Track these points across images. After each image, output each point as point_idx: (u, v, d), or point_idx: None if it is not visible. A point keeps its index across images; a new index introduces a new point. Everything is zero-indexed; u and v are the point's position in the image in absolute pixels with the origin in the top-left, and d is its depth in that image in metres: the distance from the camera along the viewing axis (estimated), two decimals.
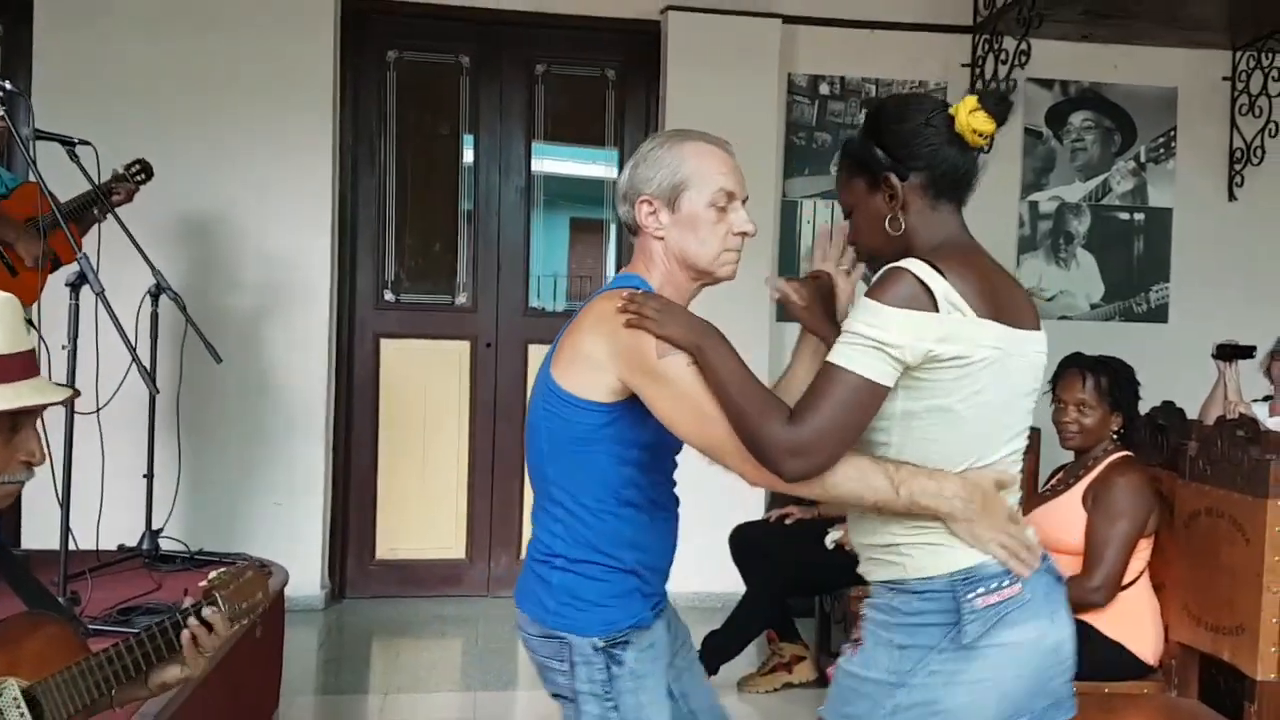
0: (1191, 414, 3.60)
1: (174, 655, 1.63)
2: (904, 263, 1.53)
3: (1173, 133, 5.44)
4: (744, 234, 1.81)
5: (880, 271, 1.57)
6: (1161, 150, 5.45)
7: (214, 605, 1.62)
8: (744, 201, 1.83)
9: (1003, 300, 1.58)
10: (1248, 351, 3.84)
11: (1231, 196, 5.47)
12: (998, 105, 1.60)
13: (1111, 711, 2.55)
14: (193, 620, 1.61)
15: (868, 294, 1.55)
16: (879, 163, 1.63)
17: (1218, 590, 2.51)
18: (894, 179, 1.62)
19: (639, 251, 1.87)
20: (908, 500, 1.54)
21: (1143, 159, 5.45)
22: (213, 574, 1.67)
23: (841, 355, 1.52)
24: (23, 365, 1.57)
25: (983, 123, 1.59)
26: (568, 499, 1.79)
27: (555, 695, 1.86)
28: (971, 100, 1.61)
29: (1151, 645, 2.70)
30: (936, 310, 1.50)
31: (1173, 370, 4.08)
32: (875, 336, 1.49)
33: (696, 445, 1.68)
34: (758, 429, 1.53)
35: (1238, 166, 5.43)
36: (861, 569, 1.70)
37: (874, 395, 1.51)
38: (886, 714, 1.55)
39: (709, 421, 1.62)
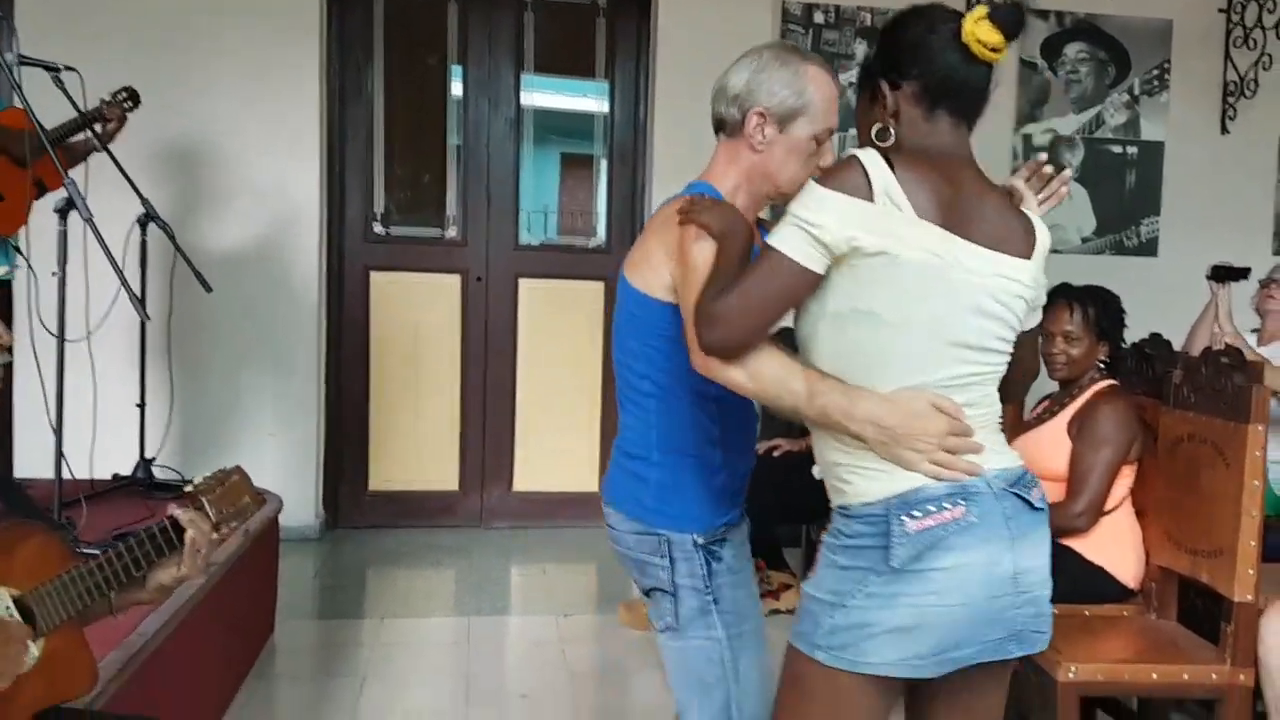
0: (1179, 346, 3.62)
1: (166, 560, 1.65)
2: (857, 151, 1.50)
3: (1167, 65, 5.41)
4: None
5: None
6: (1155, 83, 5.42)
7: (201, 510, 1.65)
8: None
9: (967, 214, 1.52)
10: (1242, 273, 3.79)
11: (1224, 130, 5.45)
12: (1008, 16, 1.52)
13: (1092, 633, 2.60)
14: (182, 514, 1.63)
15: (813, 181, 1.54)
16: (882, 66, 1.60)
17: (1198, 514, 2.55)
18: (884, 86, 1.59)
19: (722, 155, 1.88)
20: (819, 412, 1.52)
21: (1136, 91, 5.42)
22: (198, 479, 1.69)
23: (775, 235, 1.51)
24: None
25: (988, 33, 1.52)
26: (659, 393, 1.84)
27: (649, 591, 1.89)
28: (981, 9, 1.53)
29: (1132, 569, 2.75)
30: (872, 201, 1.46)
31: (1161, 303, 4.10)
32: (803, 215, 1.48)
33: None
34: (696, 299, 1.55)
35: (1231, 99, 5.41)
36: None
37: (796, 277, 1.49)
38: (825, 633, 1.52)
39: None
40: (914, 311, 1.49)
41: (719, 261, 1.61)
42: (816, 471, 1.83)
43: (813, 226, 1.46)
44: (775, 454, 3.99)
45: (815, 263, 1.48)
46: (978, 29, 1.52)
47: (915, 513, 1.49)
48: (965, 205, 1.52)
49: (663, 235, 1.78)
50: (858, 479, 1.54)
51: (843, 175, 1.48)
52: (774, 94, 1.79)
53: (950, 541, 1.49)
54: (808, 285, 1.50)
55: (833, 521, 1.61)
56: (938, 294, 1.49)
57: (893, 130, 1.57)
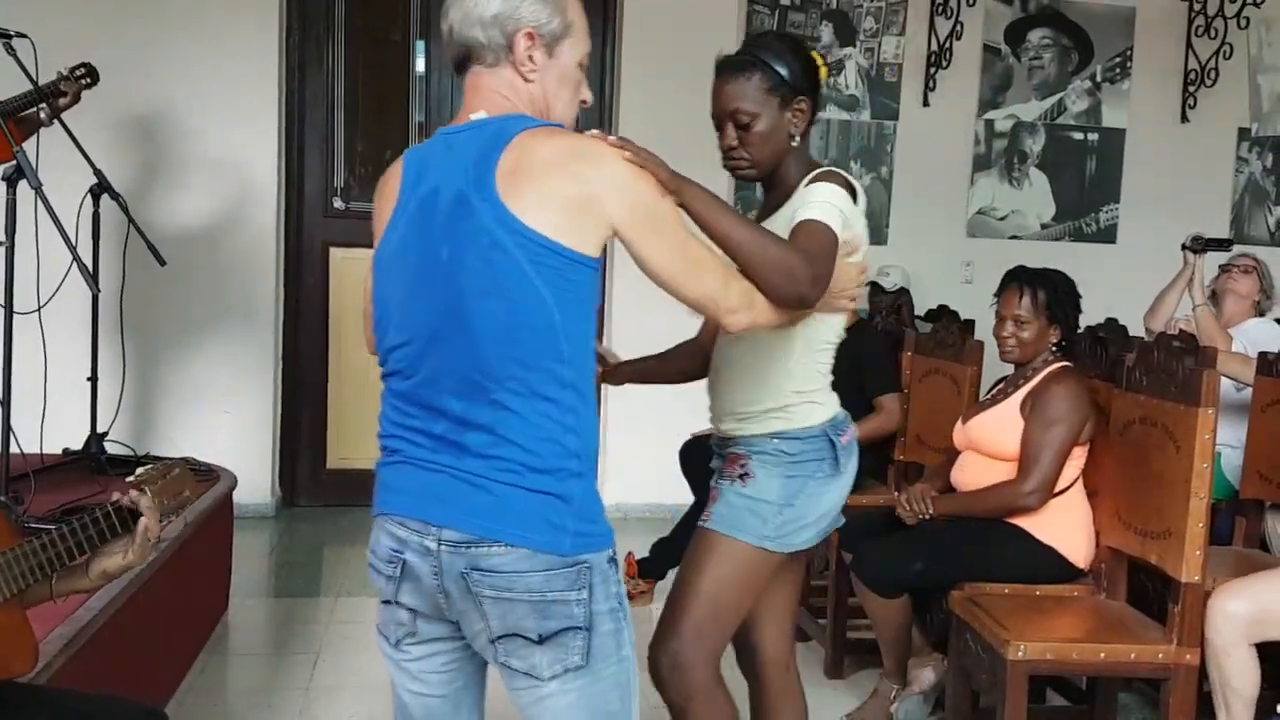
0: (1135, 332, 3.65)
1: (110, 545, 1.63)
2: (835, 169, 1.95)
3: (1129, 52, 5.45)
4: (584, 103, 1.68)
5: (822, 170, 1.95)
6: (1117, 70, 5.46)
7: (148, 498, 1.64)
8: None
9: None
10: (1224, 244, 3.76)
11: (1184, 118, 5.50)
12: (831, 64, 2.06)
13: (1042, 612, 2.62)
14: (138, 496, 1.61)
15: (824, 182, 1.88)
16: (803, 86, 1.97)
17: (1148, 496, 2.57)
18: (808, 102, 1.99)
19: (498, 89, 1.59)
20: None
21: (1098, 79, 5.45)
22: (140, 470, 1.68)
23: (824, 215, 1.81)
24: None
25: (826, 74, 2.06)
26: (579, 381, 1.50)
27: (547, 637, 1.49)
28: (819, 56, 2.06)
29: (1083, 550, 2.77)
30: (856, 203, 1.93)
31: (1119, 290, 4.15)
32: (840, 205, 1.85)
33: (693, 297, 1.58)
34: (789, 260, 1.67)
35: (1191, 88, 5.46)
36: (737, 429, 2.02)
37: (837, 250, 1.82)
38: (776, 526, 1.97)
39: (706, 269, 1.58)
40: None
41: (717, 218, 1.65)
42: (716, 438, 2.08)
43: (845, 216, 1.85)
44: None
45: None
46: (823, 70, 2.03)
47: (841, 431, 2.02)
48: None
49: (593, 175, 1.49)
50: (804, 409, 1.99)
51: (846, 183, 1.91)
52: (540, 12, 1.57)
53: (854, 451, 2.05)
54: None
55: (761, 445, 1.99)
56: None
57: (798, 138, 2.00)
